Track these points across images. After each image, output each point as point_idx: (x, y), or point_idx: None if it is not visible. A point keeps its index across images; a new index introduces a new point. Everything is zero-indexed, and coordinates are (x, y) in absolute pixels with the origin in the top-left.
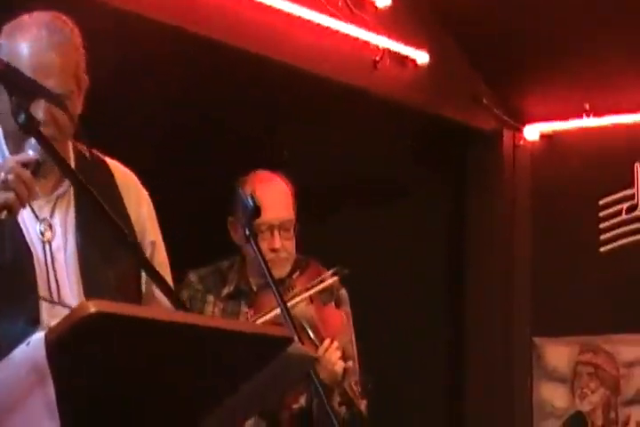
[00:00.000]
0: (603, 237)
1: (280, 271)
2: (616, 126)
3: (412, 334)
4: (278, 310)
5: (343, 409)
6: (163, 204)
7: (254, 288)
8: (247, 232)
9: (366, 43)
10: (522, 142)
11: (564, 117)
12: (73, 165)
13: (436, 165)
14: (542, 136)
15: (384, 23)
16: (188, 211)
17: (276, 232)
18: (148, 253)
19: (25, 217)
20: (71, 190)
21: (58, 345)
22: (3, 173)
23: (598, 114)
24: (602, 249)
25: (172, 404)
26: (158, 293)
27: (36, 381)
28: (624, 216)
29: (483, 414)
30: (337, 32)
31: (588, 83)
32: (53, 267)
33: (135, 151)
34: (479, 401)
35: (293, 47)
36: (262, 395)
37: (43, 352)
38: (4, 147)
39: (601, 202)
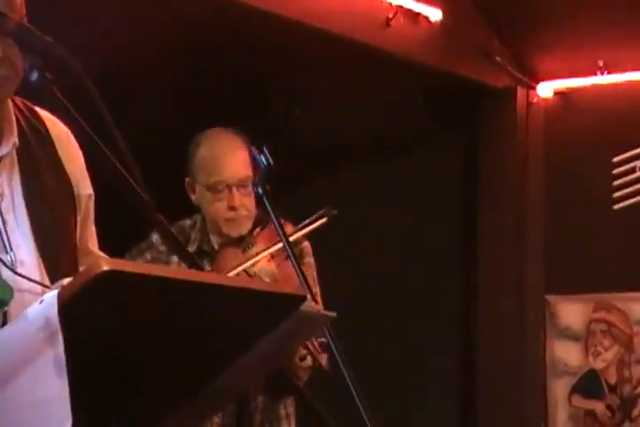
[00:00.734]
0: (616, 194)
1: (241, 229)
2: (630, 83)
3: (424, 291)
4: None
5: (309, 361)
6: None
7: (216, 247)
8: (260, 191)
9: (379, 0)
10: (535, 100)
11: (578, 75)
12: (21, 122)
13: (450, 123)
14: (556, 93)
15: None
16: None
17: (234, 190)
18: (84, 206)
19: None
20: (14, 152)
21: (70, 303)
22: None
23: (612, 71)
24: (615, 207)
25: (185, 363)
26: (97, 251)
27: (45, 338)
28: (638, 173)
29: (495, 373)
30: None
31: (601, 40)
32: (5, 229)
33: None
34: (492, 359)
35: (306, 5)
36: (276, 353)
37: (55, 309)
38: None
39: (614, 159)
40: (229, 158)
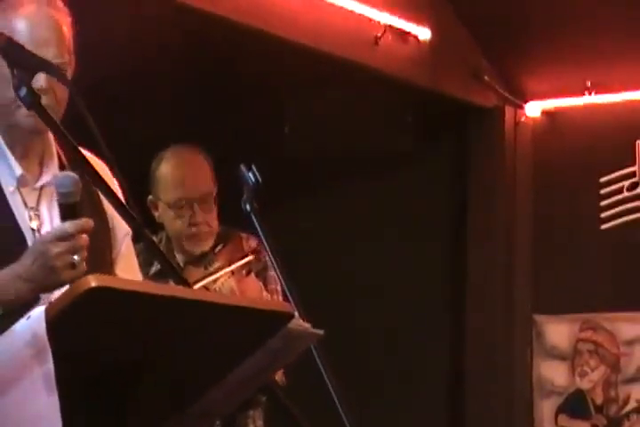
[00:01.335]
0: (603, 214)
1: (202, 245)
2: (618, 104)
3: (412, 311)
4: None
5: None
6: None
7: (181, 264)
8: (248, 208)
9: (368, 19)
10: (523, 119)
11: (566, 94)
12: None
13: (437, 142)
14: (544, 113)
15: None
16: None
17: (195, 206)
18: (120, 243)
19: (15, 203)
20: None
21: (58, 319)
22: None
23: (600, 91)
24: (602, 227)
25: (173, 379)
26: None
27: (35, 355)
28: (625, 194)
29: (483, 392)
30: (339, 8)
31: (589, 60)
32: None
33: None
34: (480, 379)
35: (296, 23)
36: (265, 370)
37: (43, 326)
38: None
39: (602, 180)
40: (190, 175)
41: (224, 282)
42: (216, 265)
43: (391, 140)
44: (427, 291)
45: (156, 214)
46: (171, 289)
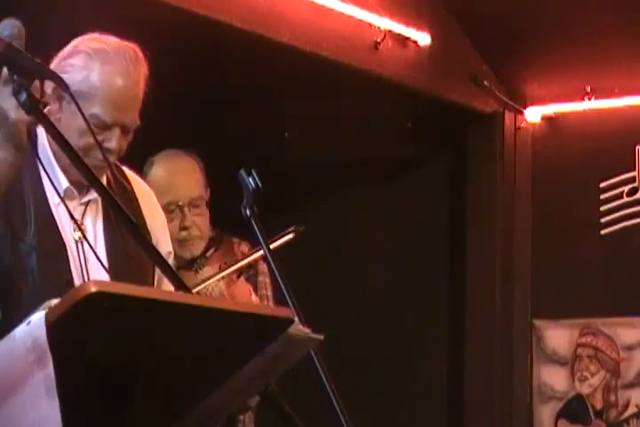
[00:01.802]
0: (603, 219)
1: (193, 250)
2: (617, 109)
3: (412, 315)
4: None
5: None
6: None
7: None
8: (249, 213)
9: (368, 24)
10: (523, 124)
11: (566, 100)
12: (107, 176)
13: (437, 147)
14: (543, 118)
15: (386, 4)
16: None
17: (185, 210)
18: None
19: (59, 215)
20: (99, 199)
21: (58, 325)
22: None
23: (599, 96)
24: (602, 232)
25: (174, 383)
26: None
27: (35, 360)
28: (625, 199)
29: (482, 398)
30: (339, 13)
31: (589, 65)
32: (86, 266)
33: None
34: (479, 384)
35: (295, 28)
36: (264, 376)
37: (43, 332)
38: None
39: (602, 185)
40: (181, 178)
41: (214, 286)
42: (206, 269)
43: (391, 146)
44: (426, 296)
45: None
46: (171, 294)
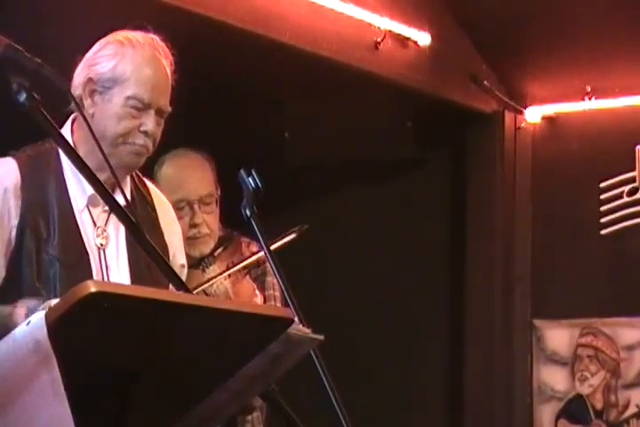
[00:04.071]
0: (603, 219)
1: (202, 248)
2: (617, 109)
3: (412, 316)
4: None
5: None
6: None
7: None
8: (248, 213)
9: (368, 24)
10: (523, 124)
11: (566, 100)
12: (130, 185)
13: (437, 147)
14: (544, 118)
15: (386, 4)
16: None
17: (195, 207)
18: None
19: (83, 221)
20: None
21: (59, 324)
22: None
23: (600, 96)
24: (602, 232)
25: (175, 383)
26: None
27: (39, 361)
28: (625, 199)
29: (482, 397)
30: (340, 13)
31: (589, 65)
32: (107, 273)
33: None
34: (479, 384)
35: (295, 28)
36: (264, 376)
37: (44, 331)
38: None
39: (602, 185)
40: (191, 176)
41: (219, 284)
42: (213, 267)
43: (391, 146)
44: (425, 295)
45: None
46: (170, 294)
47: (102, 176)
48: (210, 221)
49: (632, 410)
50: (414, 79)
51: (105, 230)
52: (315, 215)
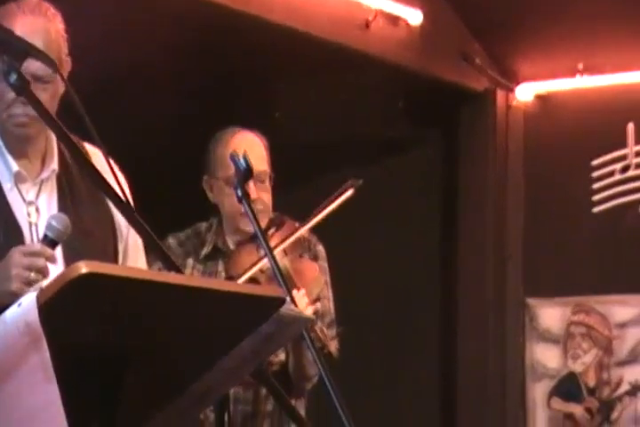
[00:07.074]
0: (596, 197)
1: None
2: (609, 86)
3: (404, 295)
4: (259, 266)
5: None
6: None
7: (231, 246)
8: (240, 193)
9: (359, 3)
10: (515, 102)
11: (557, 77)
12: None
13: (429, 126)
14: (535, 96)
15: None
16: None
17: (251, 183)
18: (126, 236)
19: (12, 199)
20: (54, 177)
21: (50, 306)
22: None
23: (591, 74)
24: (595, 210)
25: (168, 364)
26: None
27: (29, 343)
28: (617, 177)
29: (475, 376)
30: None
31: (581, 42)
32: None
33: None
34: (472, 362)
35: (286, 7)
36: (257, 355)
37: (35, 313)
38: None
39: (594, 162)
40: (248, 152)
41: (277, 260)
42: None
43: (382, 125)
44: (418, 277)
45: (211, 196)
46: (162, 275)
47: (26, 159)
48: (264, 198)
49: (624, 388)
50: (405, 58)
51: (36, 205)
52: (304, 195)
